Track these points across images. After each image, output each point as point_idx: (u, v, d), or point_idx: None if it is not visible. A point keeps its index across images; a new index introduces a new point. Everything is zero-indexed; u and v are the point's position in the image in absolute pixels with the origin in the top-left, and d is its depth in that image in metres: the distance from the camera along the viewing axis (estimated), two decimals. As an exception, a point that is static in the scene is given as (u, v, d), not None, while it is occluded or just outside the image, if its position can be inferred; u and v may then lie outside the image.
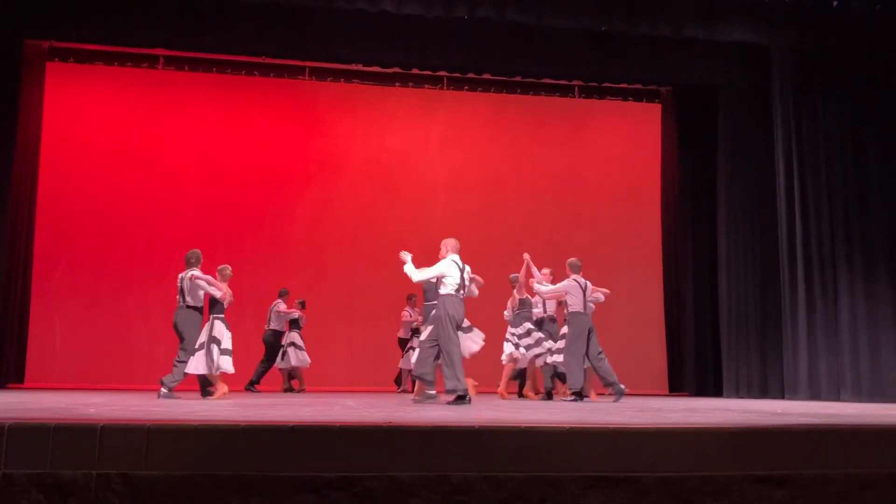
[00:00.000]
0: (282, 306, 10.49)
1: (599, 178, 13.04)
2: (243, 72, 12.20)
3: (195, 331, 7.34)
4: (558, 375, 8.88)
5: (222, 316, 7.49)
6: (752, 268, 10.54)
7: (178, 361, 7.28)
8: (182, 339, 7.32)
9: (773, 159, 10.16)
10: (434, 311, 6.79)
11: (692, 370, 11.74)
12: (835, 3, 9.44)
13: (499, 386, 8.91)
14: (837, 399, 9.10)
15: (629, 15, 9.56)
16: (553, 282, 8.80)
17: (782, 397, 9.74)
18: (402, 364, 10.80)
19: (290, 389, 10.42)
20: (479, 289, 7.26)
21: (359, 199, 12.51)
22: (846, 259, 9.52)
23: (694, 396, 10.93)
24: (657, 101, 12.98)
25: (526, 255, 8.81)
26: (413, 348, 9.54)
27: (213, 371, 7.34)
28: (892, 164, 9.62)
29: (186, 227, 11.62)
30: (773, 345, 10.17)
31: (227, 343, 7.41)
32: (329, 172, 12.58)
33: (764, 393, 10.14)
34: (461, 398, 6.39)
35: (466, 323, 6.97)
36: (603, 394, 8.77)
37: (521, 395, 9.30)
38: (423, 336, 7.01)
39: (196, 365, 7.28)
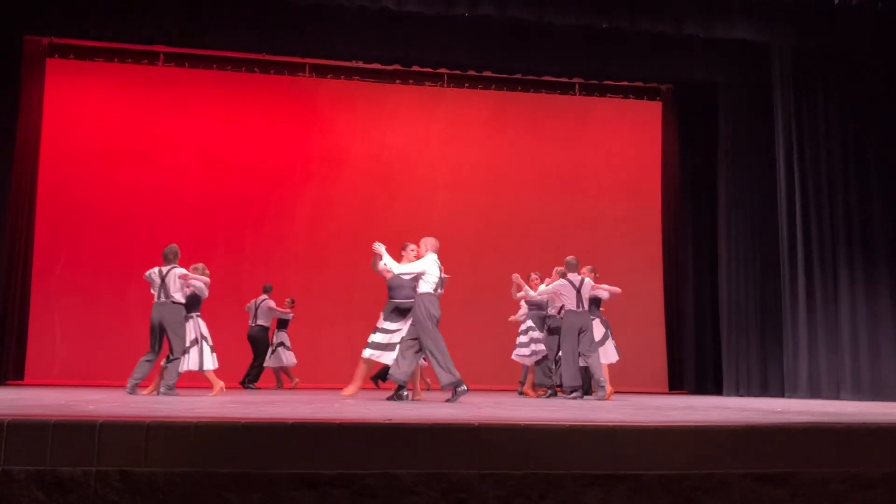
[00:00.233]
0: (271, 303, 10.44)
1: (599, 175, 13.03)
2: (243, 69, 12.19)
3: (184, 328, 7.40)
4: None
5: (200, 313, 7.65)
6: (753, 266, 10.52)
7: (172, 359, 7.31)
8: (171, 336, 7.31)
9: (773, 157, 10.15)
10: (413, 310, 6.70)
11: (692, 368, 11.74)
12: (836, 1, 9.40)
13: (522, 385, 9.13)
14: (837, 397, 9.09)
15: (630, 12, 9.54)
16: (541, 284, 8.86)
17: (782, 395, 9.73)
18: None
19: (280, 388, 10.44)
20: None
21: (359, 196, 12.50)
22: (846, 257, 9.51)
23: (694, 394, 10.93)
24: (658, 98, 12.97)
25: (515, 276, 8.71)
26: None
27: (212, 367, 7.47)
28: (893, 162, 9.60)
29: (186, 223, 11.61)
30: (773, 343, 10.16)
31: (210, 340, 7.61)
32: (329, 170, 12.58)
33: (764, 391, 10.13)
34: (457, 390, 6.41)
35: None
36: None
37: (520, 392, 9.31)
38: (403, 334, 6.87)
39: (191, 362, 7.38)
